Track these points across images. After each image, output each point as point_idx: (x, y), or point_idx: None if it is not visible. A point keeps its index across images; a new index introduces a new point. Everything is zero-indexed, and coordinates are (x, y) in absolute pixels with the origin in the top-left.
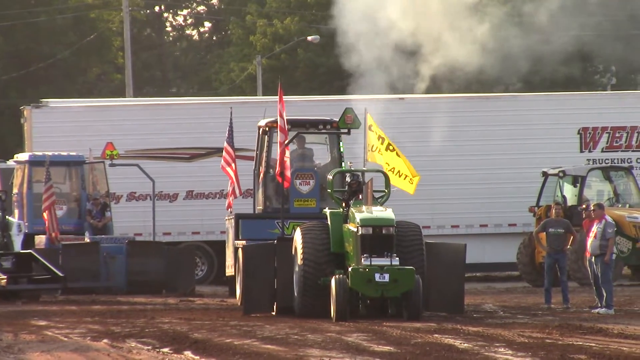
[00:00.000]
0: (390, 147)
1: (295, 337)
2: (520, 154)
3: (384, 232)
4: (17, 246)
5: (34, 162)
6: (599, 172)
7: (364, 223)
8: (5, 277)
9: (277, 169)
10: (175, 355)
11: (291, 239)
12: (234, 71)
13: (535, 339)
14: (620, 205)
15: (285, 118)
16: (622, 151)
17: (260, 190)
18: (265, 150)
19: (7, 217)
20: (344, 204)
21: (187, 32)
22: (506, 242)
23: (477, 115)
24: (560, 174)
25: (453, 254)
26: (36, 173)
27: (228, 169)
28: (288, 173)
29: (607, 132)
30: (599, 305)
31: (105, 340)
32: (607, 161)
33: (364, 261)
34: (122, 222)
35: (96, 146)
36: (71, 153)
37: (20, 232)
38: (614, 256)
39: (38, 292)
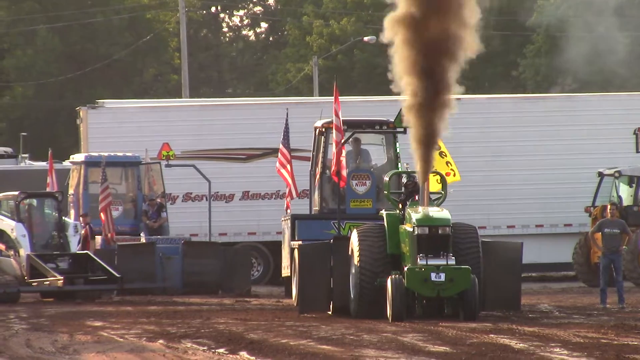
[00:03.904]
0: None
1: (351, 337)
2: (576, 155)
3: (440, 232)
4: (73, 247)
5: (90, 163)
6: None
7: (420, 223)
8: (62, 277)
9: (333, 168)
10: (230, 355)
11: (347, 239)
12: (290, 72)
13: (591, 339)
14: None
15: (341, 118)
16: None
17: (317, 191)
18: (321, 151)
19: (63, 217)
20: (400, 205)
21: (244, 32)
22: (562, 242)
23: (534, 116)
24: (616, 174)
25: (510, 253)
26: (92, 174)
27: (283, 171)
28: (344, 172)
29: None
30: None
31: (160, 341)
32: None
33: (420, 261)
34: (178, 223)
35: (152, 147)
36: (127, 154)
37: (76, 232)
38: None
39: (94, 293)
